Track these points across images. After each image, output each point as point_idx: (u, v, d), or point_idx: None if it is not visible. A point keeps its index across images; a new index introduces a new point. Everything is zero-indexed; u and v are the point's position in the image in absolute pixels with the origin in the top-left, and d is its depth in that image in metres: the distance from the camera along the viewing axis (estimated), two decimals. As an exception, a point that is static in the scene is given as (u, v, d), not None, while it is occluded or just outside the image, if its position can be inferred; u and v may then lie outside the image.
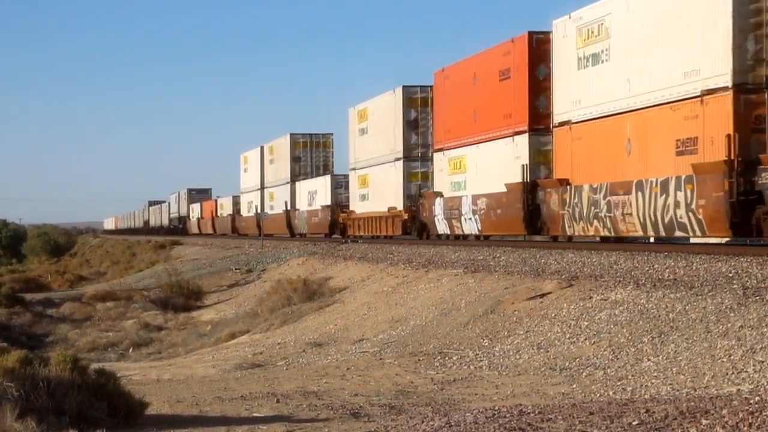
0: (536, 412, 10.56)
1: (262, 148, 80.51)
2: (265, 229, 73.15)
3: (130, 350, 30.35)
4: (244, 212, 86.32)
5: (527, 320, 18.06)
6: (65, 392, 11.29)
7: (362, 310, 25.22)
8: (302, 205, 68.24)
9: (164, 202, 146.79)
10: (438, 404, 12.70)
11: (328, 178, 63.55)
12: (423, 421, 10.55)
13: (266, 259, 47.40)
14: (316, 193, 64.78)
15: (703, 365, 12.83)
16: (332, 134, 72.56)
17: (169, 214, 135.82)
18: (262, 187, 79.49)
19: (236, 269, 46.45)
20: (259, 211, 77.16)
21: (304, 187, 68.25)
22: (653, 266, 20.80)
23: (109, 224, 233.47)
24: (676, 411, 9.89)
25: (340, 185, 61.05)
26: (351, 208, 55.91)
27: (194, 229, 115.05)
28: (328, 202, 61.28)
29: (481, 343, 17.55)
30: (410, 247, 37.68)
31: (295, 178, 70.71)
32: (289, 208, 70.45)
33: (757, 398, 10.49)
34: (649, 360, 13.82)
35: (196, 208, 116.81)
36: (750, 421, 9.26)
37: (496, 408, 11.14)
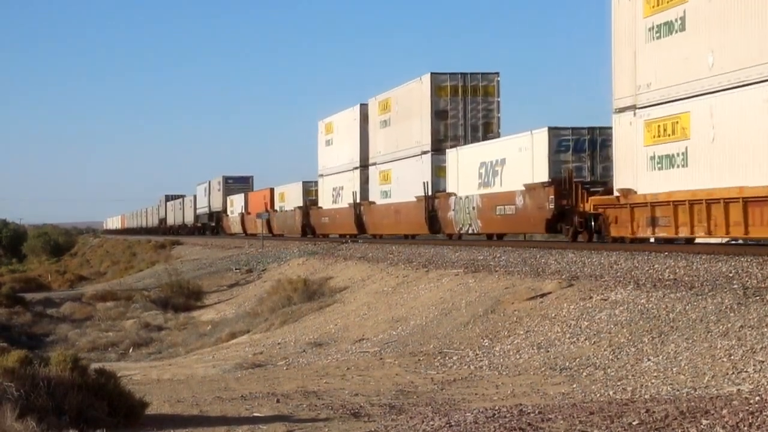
0: (536, 412, 10.56)
1: (362, 106, 53.35)
2: (371, 227, 52.73)
3: (131, 350, 30.35)
4: (326, 204, 60.42)
5: (527, 320, 18.07)
6: (65, 392, 11.29)
7: (362, 310, 25.23)
8: (466, 186, 41.05)
9: (184, 196, 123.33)
10: (438, 404, 12.71)
11: (541, 134, 35.38)
12: (423, 421, 10.55)
13: (266, 259, 47.40)
14: (503, 164, 37.77)
15: (703, 365, 12.83)
16: (498, 74, 44.94)
17: (195, 209, 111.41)
18: (365, 165, 53.20)
19: (236, 269, 46.45)
20: (357, 200, 53.22)
21: (468, 156, 41.34)
22: (653, 266, 20.81)
23: (114, 223, 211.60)
24: (676, 411, 9.89)
25: (564, 147, 35.02)
26: (623, 186, 28.90)
27: (235, 228, 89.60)
28: (545, 178, 34.74)
29: (481, 343, 17.55)
30: (410, 247, 37.68)
31: (439, 144, 44.51)
32: (429, 192, 44.26)
33: (757, 398, 10.49)
34: (649, 360, 13.82)
35: (237, 201, 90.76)
36: (750, 421, 9.26)
37: (496, 408, 11.14)
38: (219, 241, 75.76)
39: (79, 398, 11.31)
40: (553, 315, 17.79)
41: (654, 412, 9.95)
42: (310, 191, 66.53)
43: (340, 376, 16.49)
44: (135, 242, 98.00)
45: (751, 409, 9.76)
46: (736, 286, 16.42)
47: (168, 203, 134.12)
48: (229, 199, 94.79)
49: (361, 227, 53.92)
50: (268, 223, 74.55)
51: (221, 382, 17.12)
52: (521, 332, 17.45)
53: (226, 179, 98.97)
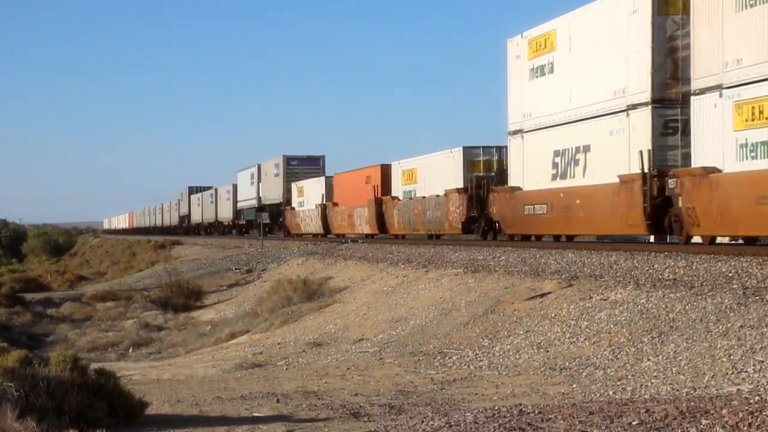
0: (536, 412, 10.56)
1: None
2: (709, 224, 24.05)
3: (130, 350, 30.37)
4: (532, 182, 33.60)
5: (527, 320, 18.07)
6: (65, 392, 11.29)
7: (362, 310, 25.23)
8: None
9: (212, 187, 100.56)
10: (438, 404, 12.71)
11: None
12: (423, 421, 10.55)
13: (266, 259, 47.40)
14: None
15: (703, 365, 12.84)
16: None
17: (235, 202, 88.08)
18: (663, 99, 26.63)
19: (236, 269, 46.45)
20: (647, 168, 26.03)
21: None
22: (653, 266, 20.81)
23: (120, 222, 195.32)
24: (676, 411, 9.89)
25: None
26: None
27: (308, 226, 64.49)
28: None
29: (481, 343, 17.56)
30: (410, 247, 37.68)
31: None
32: None
33: (757, 398, 10.49)
34: (649, 360, 13.83)
35: (310, 188, 64.97)
36: (750, 421, 9.26)
37: (496, 408, 11.14)
38: (219, 241, 75.34)
39: (79, 398, 11.32)
40: (552, 315, 17.79)
41: (654, 412, 9.95)
42: (475, 163, 41.34)
43: (340, 376, 16.49)
44: (135, 242, 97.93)
45: (750, 409, 9.76)
46: (735, 286, 16.43)
47: (192, 196, 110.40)
48: (295, 186, 69.19)
49: (660, 223, 26.18)
50: (380, 217, 50.39)
51: (221, 382, 17.12)
52: (521, 332, 17.45)
53: (288, 160, 73.40)
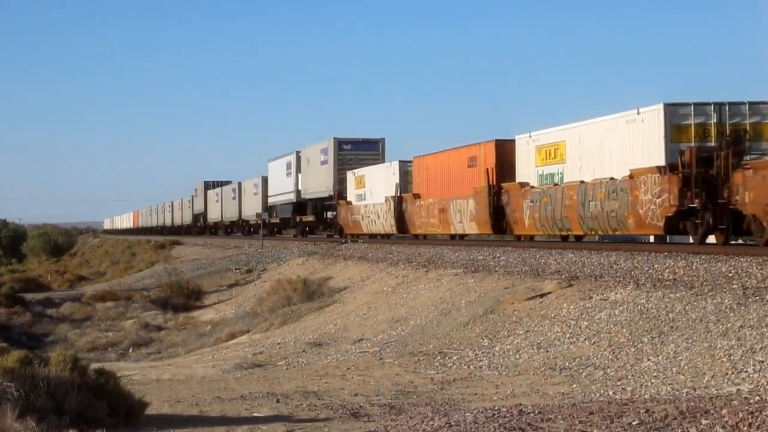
0: (536, 412, 10.55)
1: None
2: None
3: (130, 350, 30.36)
4: None
5: (527, 320, 18.07)
6: (65, 392, 11.29)
7: (362, 310, 25.23)
8: None
9: (231, 182, 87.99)
10: (438, 404, 12.71)
11: None
12: (423, 421, 10.55)
13: (266, 259, 47.37)
14: None
15: (703, 365, 12.84)
16: None
17: (265, 197, 73.70)
18: None
19: (236, 269, 46.43)
20: None
21: None
22: (653, 266, 20.82)
23: (123, 222, 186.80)
24: (676, 411, 9.89)
25: None
26: None
27: (375, 225, 50.40)
28: None
29: (480, 343, 17.56)
30: (410, 247, 37.67)
31: None
32: None
33: (757, 398, 10.49)
34: (649, 360, 13.83)
35: (375, 177, 51.44)
36: (750, 421, 9.26)
37: (496, 408, 11.14)
38: (219, 240, 75.25)
39: (78, 398, 11.32)
40: (552, 315, 17.79)
41: (654, 412, 9.94)
42: (683, 129, 27.43)
43: (340, 376, 16.49)
44: (135, 242, 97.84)
45: (750, 409, 9.76)
46: (735, 286, 16.43)
47: (209, 192, 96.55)
48: (352, 175, 55.14)
49: None
50: (498, 212, 36.54)
51: (221, 382, 17.13)
52: (521, 332, 17.45)
53: (339, 144, 58.22)
